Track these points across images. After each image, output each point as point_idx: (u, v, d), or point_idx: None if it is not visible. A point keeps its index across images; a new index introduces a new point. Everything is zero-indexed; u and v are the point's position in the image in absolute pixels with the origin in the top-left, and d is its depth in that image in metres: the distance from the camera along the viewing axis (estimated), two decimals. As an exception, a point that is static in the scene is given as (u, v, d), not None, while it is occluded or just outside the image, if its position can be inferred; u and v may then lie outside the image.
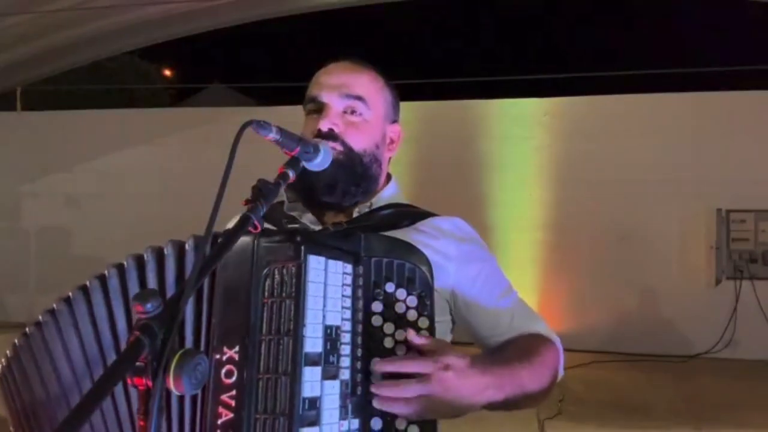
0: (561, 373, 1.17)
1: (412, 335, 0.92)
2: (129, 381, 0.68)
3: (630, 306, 5.98)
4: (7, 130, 7.33)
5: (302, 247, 0.88)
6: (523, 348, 1.09)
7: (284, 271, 0.88)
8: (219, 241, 0.83)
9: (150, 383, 0.67)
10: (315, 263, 0.89)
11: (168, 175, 6.72)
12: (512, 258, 5.95)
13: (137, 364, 0.66)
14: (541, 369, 1.07)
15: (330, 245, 0.93)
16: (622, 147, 5.95)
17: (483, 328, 1.17)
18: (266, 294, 0.87)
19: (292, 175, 0.97)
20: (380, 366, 0.91)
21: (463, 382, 0.91)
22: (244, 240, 0.88)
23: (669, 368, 5.38)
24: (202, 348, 0.88)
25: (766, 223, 5.81)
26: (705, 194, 5.84)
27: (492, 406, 0.98)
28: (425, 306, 0.97)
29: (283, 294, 0.87)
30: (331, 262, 0.92)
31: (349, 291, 0.94)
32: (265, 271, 0.88)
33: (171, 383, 0.67)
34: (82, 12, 5.64)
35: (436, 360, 0.90)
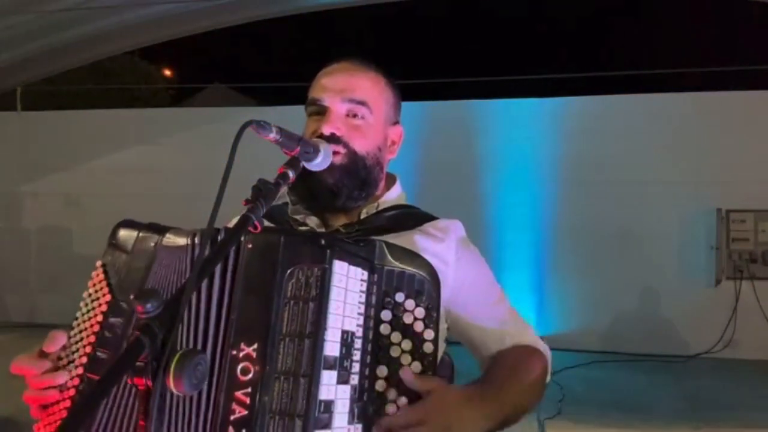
0: (548, 379, 1.20)
1: (407, 374, 0.93)
2: (129, 381, 0.68)
3: (630, 306, 5.98)
4: (7, 130, 7.33)
5: (328, 251, 0.89)
6: (513, 365, 1.12)
7: (309, 273, 0.88)
8: (219, 241, 0.83)
9: (150, 383, 0.67)
10: (339, 268, 0.90)
11: (168, 175, 6.72)
12: (512, 258, 5.95)
13: (137, 364, 0.67)
14: (532, 383, 1.11)
15: (349, 251, 0.94)
16: (622, 147, 5.94)
17: (475, 336, 1.19)
18: (289, 294, 0.88)
19: (292, 175, 0.98)
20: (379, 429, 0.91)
21: (462, 420, 0.93)
22: (270, 238, 0.89)
23: (669, 368, 5.38)
24: (220, 342, 0.88)
25: (766, 223, 5.81)
26: (705, 194, 5.83)
27: (492, 430, 1.01)
28: (431, 318, 0.98)
29: (307, 296, 0.88)
30: (352, 268, 0.93)
31: (363, 298, 0.95)
32: (289, 271, 0.88)
33: (171, 383, 0.67)
34: (82, 12, 5.63)
35: (432, 404, 0.91)
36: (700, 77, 6.63)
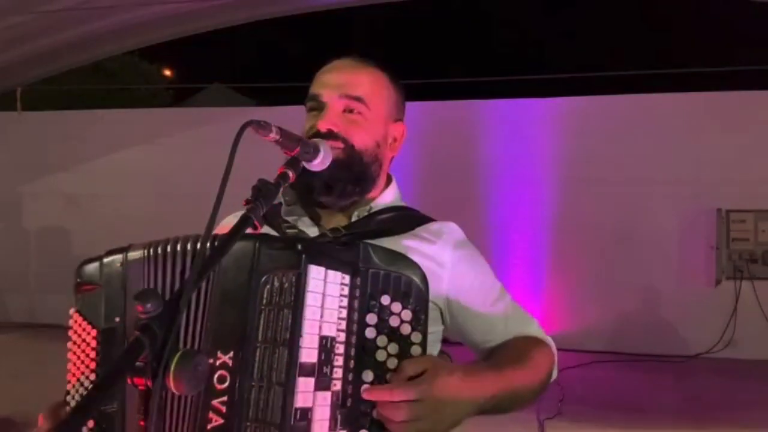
0: (555, 373, 1.18)
1: (395, 377, 0.91)
2: (129, 381, 0.68)
3: (630, 306, 5.98)
4: (7, 130, 7.33)
5: (303, 256, 0.87)
6: (514, 352, 1.10)
7: (284, 279, 0.87)
8: (217, 241, 0.83)
9: (150, 383, 0.67)
10: (315, 273, 0.89)
11: (168, 175, 6.71)
12: (513, 258, 5.95)
13: (137, 364, 0.66)
14: (533, 371, 1.08)
15: (330, 255, 0.93)
16: (622, 147, 5.94)
17: (477, 334, 1.18)
18: (264, 301, 0.87)
19: (292, 175, 0.97)
20: (370, 395, 0.91)
21: (455, 398, 0.92)
22: (244, 245, 0.88)
23: (669, 368, 5.38)
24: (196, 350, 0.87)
25: (766, 223, 5.81)
26: (705, 194, 5.83)
27: (484, 413, 0.99)
28: (419, 320, 0.96)
29: (282, 302, 0.86)
30: (330, 272, 0.91)
31: (345, 302, 0.93)
32: (264, 277, 0.87)
33: (171, 383, 0.67)
34: (82, 12, 5.63)
35: (427, 383, 0.90)
36: (700, 77, 6.62)
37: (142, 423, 0.70)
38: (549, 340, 1.19)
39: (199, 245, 0.94)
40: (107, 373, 0.65)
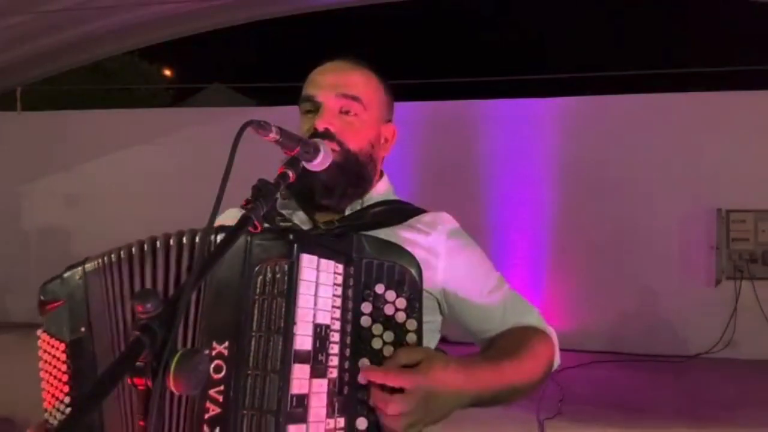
0: (557, 362, 1.18)
1: (391, 364, 0.92)
2: (129, 381, 0.68)
3: (630, 306, 5.98)
4: (7, 130, 7.33)
5: (295, 245, 0.88)
6: (512, 342, 1.10)
7: (276, 268, 0.88)
8: (218, 240, 0.84)
9: (150, 383, 0.67)
10: (307, 262, 0.89)
11: (168, 175, 6.72)
12: (513, 258, 5.95)
13: (137, 364, 0.66)
14: (531, 362, 1.08)
15: (322, 244, 0.94)
16: (622, 147, 5.94)
17: (474, 324, 1.17)
18: (258, 291, 0.88)
19: (292, 175, 0.97)
20: (366, 375, 0.91)
21: (448, 391, 0.92)
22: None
23: (669, 368, 5.38)
24: (189, 342, 0.89)
25: (766, 223, 5.81)
26: (705, 194, 5.83)
27: (480, 405, 0.99)
28: (414, 308, 0.96)
29: (275, 291, 0.87)
30: (323, 261, 0.92)
31: (339, 291, 0.94)
32: (257, 268, 0.88)
33: (171, 383, 0.67)
34: (82, 12, 5.63)
35: (421, 373, 0.90)
36: (700, 77, 6.62)
37: (141, 423, 0.70)
38: (549, 329, 1.19)
39: (146, 247, 0.98)
40: (107, 373, 0.64)
